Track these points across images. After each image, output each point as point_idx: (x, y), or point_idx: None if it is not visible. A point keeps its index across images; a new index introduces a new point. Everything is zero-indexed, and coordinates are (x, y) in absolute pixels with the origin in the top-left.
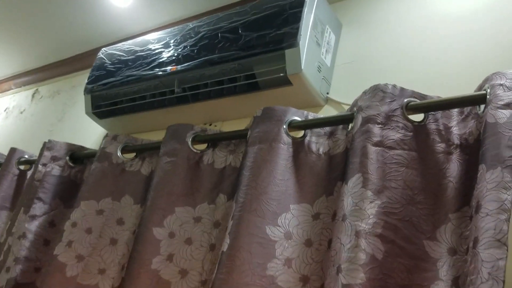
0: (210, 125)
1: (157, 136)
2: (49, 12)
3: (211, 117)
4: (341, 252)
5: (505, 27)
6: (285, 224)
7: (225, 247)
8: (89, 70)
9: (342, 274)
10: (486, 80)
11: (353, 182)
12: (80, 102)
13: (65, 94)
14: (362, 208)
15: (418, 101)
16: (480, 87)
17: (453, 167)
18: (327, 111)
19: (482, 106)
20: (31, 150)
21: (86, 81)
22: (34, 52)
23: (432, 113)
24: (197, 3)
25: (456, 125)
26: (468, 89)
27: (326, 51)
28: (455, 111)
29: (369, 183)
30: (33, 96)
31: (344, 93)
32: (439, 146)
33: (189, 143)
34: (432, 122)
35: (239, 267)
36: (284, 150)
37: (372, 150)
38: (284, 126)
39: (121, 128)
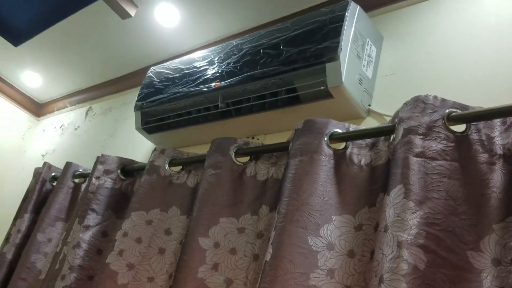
0: (253, 138)
1: (202, 149)
2: (101, 34)
3: (253, 130)
4: (383, 262)
5: None
6: (327, 235)
7: (268, 257)
8: (138, 88)
9: (384, 285)
10: None
11: (395, 193)
12: (130, 118)
13: (116, 111)
14: (404, 218)
15: (460, 112)
16: None
17: (496, 177)
18: (369, 123)
19: None
20: (85, 164)
21: (136, 98)
22: (87, 72)
23: (474, 123)
24: (239, 21)
25: (499, 135)
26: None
27: (368, 63)
28: (497, 121)
29: (411, 194)
30: (86, 113)
31: (386, 104)
32: (481, 156)
33: (232, 155)
34: (475, 133)
35: (282, 276)
36: (325, 161)
37: (414, 161)
38: (325, 138)
39: (169, 142)
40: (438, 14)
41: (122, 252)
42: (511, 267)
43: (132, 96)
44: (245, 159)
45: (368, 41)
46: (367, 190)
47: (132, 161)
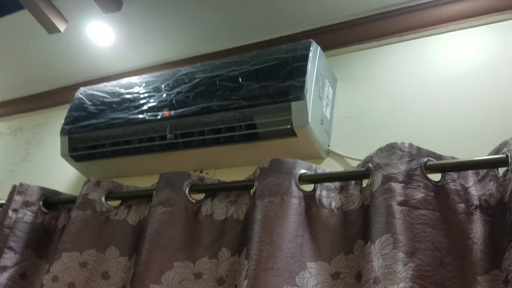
0: (201, 172)
1: (142, 182)
2: (20, 46)
3: (202, 164)
4: None
5: (506, 85)
6: (303, 283)
7: None
8: (56, 108)
9: None
10: (505, 144)
11: (382, 242)
12: (46, 141)
13: (28, 132)
14: (396, 270)
15: (436, 161)
16: (498, 150)
17: (475, 228)
18: (329, 164)
19: (501, 169)
20: None
21: (60, 118)
22: None
23: (449, 173)
24: (182, 48)
25: (473, 185)
26: (463, 147)
27: (326, 104)
28: (470, 172)
29: (400, 244)
30: None
31: (343, 145)
32: (459, 206)
33: (187, 192)
34: (450, 182)
35: None
36: (296, 204)
37: (398, 210)
38: (295, 180)
39: (101, 172)
40: (392, 60)
41: None
42: None
43: (47, 116)
44: (199, 196)
45: (326, 82)
46: (342, 236)
47: (56, 192)
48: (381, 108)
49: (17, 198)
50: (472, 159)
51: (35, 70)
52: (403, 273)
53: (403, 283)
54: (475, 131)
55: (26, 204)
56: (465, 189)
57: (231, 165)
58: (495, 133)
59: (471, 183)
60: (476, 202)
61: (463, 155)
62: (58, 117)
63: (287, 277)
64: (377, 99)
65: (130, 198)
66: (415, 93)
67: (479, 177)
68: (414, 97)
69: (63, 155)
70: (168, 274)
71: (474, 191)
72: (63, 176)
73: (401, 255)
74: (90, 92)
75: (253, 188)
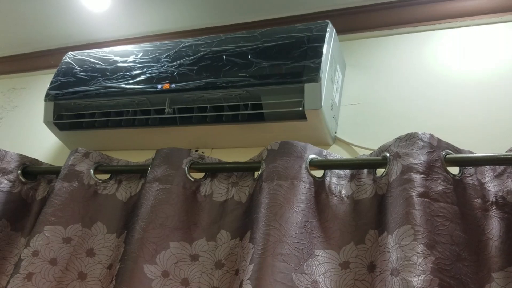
0: (197, 151)
1: (130, 156)
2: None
3: (198, 142)
4: None
5: None
6: (311, 271)
7: None
8: (35, 72)
9: None
10: None
11: (400, 234)
12: (22, 107)
13: (2, 96)
14: (416, 263)
15: (455, 155)
16: None
17: (491, 225)
18: (336, 150)
19: None
20: None
21: (41, 84)
22: None
23: (467, 167)
24: (183, 19)
25: (489, 181)
26: (475, 140)
27: (336, 89)
28: (486, 167)
29: (420, 236)
30: None
31: (350, 133)
32: (475, 201)
33: (186, 170)
34: (468, 177)
35: None
36: (306, 189)
37: (419, 201)
38: (305, 164)
39: (85, 143)
40: (403, 50)
41: (31, 276)
42: None
43: (24, 80)
44: (198, 175)
45: (338, 67)
46: (352, 225)
47: (37, 161)
48: (390, 98)
49: None
50: (491, 155)
51: (16, 29)
52: (423, 266)
53: (423, 275)
54: (486, 124)
55: (2, 171)
56: (482, 184)
57: (230, 146)
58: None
59: (487, 178)
60: (492, 198)
61: (473, 148)
62: (37, 82)
63: (295, 264)
64: (386, 89)
65: (121, 172)
66: (424, 85)
67: (496, 173)
68: (423, 89)
69: (46, 122)
70: (164, 254)
71: (491, 187)
72: (42, 145)
73: (421, 247)
74: (81, 57)
75: (258, 171)
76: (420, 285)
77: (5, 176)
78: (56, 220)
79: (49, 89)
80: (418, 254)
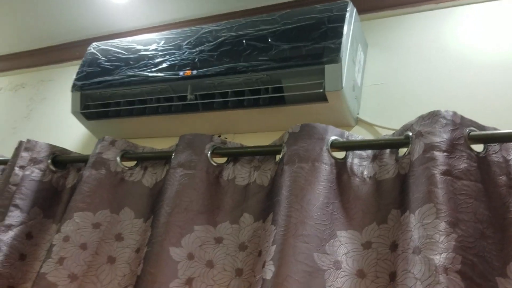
0: (219, 136)
1: (156, 143)
2: None
3: (221, 128)
4: (416, 287)
5: None
6: (333, 251)
7: (268, 275)
8: (62, 64)
9: None
10: None
11: (423, 213)
12: (51, 98)
13: (31, 89)
14: (439, 241)
15: (479, 132)
16: None
17: None
18: (358, 132)
19: None
20: None
21: (68, 75)
22: None
23: (491, 144)
24: (203, 5)
25: None
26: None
27: (358, 70)
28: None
29: (443, 214)
30: None
31: (373, 114)
32: (500, 178)
33: (209, 155)
34: (492, 154)
35: None
36: (328, 171)
37: (442, 179)
38: (327, 146)
39: (112, 131)
40: (426, 28)
41: (63, 260)
42: None
43: (52, 73)
44: (221, 160)
45: (359, 47)
46: (374, 206)
47: (66, 151)
48: (413, 77)
49: (24, 154)
50: None
51: (42, 23)
52: (446, 244)
53: (445, 253)
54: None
55: (33, 161)
56: (507, 161)
57: (252, 130)
58: None
59: None
60: None
61: (500, 126)
62: (64, 74)
63: (317, 244)
64: (409, 68)
65: (146, 159)
66: (447, 64)
67: None
68: (446, 68)
69: (74, 112)
70: (189, 237)
71: None
72: (71, 135)
73: (443, 225)
74: (105, 47)
75: (279, 154)
76: (442, 263)
77: (36, 166)
78: (85, 207)
79: (75, 79)
80: (440, 232)
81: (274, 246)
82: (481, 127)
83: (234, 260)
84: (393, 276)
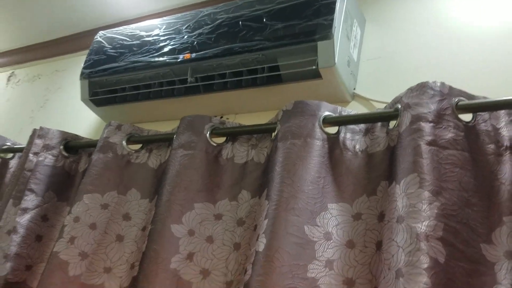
0: (221, 117)
1: (161, 126)
2: None
3: (222, 109)
4: (399, 255)
5: None
6: (324, 223)
7: (260, 247)
8: (74, 54)
9: (404, 279)
10: None
11: (408, 182)
12: (65, 88)
13: (47, 79)
14: (421, 209)
15: (467, 101)
16: None
17: (504, 169)
18: (354, 107)
19: None
20: (9, 137)
21: (80, 64)
22: (10, 33)
23: (481, 113)
24: None
25: (504, 126)
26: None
27: (354, 45)
28: (502, 112)
29: (426, 183)
30: (8, 79)
31: (370, 89)
32: (488, 147)
33: (207, 135)
34: (481, 123)
35: (279, 268)
36: (319, 146)
37: (426, 149)
38: (319, 122)
39: (120, 117)
40: (424, 2)
41: (74, 240)
42: None
43: (66, 63)
44: (220, 140)
45: (355, 22)
46: (365, 178)
47: (77, 136)
48: (410, 50)
49: (38, 141)
50: (505, 98)
51: (54, 15)
52: (428, 212)
53: (427, 221)
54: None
55: (46, 147)
56: (496, 130)
57: (252, 110)
58: None
59: (502, 123)
60: (506, 143)
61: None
62: (76, 63)
63: (307, 217)
64: (407, 42)
65: (151, 141)
66: (446, 35)
67: (511, 118)
68: (446, 40)
69: (83, 99)
70: (189, 215)
71: (506, 132)
72: (83, 122)
73: (426, 194)
74: (110, 35)
75: (275, 131)
76: (423, 231)
77: (49, 152)
78: (94, 189)
79: (83, 68)
80: (423, 201)
81: (267, 220)
82: (471, 97)
83: (232, 235)
84: (379, 245)
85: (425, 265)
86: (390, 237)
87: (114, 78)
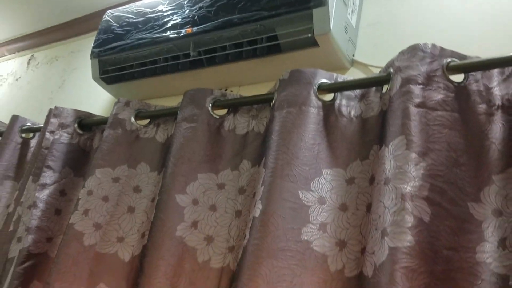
0: (226, 90)
1: (169, 102)
2: None
3: (227, 82)
4: (385, 215)
5: None
6: (318, 189)
7: (257, 213)
8: (88, 35)
9: (389, 238)
10: None
11: (396, 144)
12: (80, 68)
13: (63, 60)
14: (407, 170)
15: (459, 62)
16: None
17: (495, 129)
18: (353, 74)
19: None
20: (30, 118)
21: (87, 46)
22: (28, 17)
23: (472, 73)
24: None
25: (496, 85)
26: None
27: (352, 11)
28: (495, 71)
29: (413, 145)
30: (28, 62)
31: (369, 55)
32: (480, 107)
33: (209, 108)
34: (473, 83)
35: (274, 232)
36: (315, 113)
37: (415, 112)
38: (314, 89)
39: (130, 94)
40: None
41: (88, 212)
42: None
43: (80, 44)
44: (222, 112)
45: None
46: (359, 143)
47: (90, 114)
48: (411, 14)
49: (53, 120)
50: (497, 57)
51: None
52: (414, 173)
53: (413, 182)
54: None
55: (61, 126)
56: (488, 89)
57: (255, 81)
58: None
59: (495, 83)
60: (498, 102)
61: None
62: (90, 43)
63: (302, 183)
64: (407, 6)
65: (158, 116)
66: None
67: (504, 76)
68: (447, 3)
69: (94, 78)
70: (193, 185)
71: (498, 91)
72: (98, 100)
73: (413, 155)
74: (117, 13)
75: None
76: (409, 191)
77: (64, 130)
78: (105, 163)
79: (93, 47)
80: (409, 163)
81: (263, 187)
82: (463, 58)
83: (234, 203)
84: (369, 207)
85: (409, 224)
86: (378, 198)
87: (122, 56)
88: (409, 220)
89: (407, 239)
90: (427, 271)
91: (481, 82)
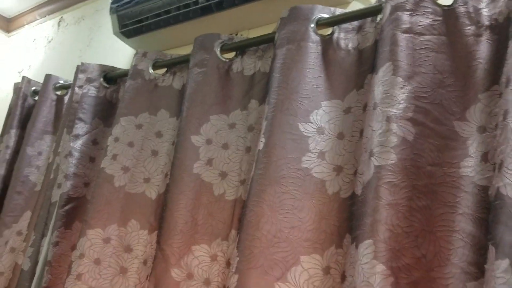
0: (236, 34)
1: (185, 51)
2: None
3: (236, 26)
4: (372, 138)
5: None
6: (317, 120)
7: (261, 146)
8: None
9: (374, 157)
10: None
11: (383, 70)
12: (105, 25)
13: (90, 19)
14: (393, 94)
15: None
16: None
17: (483, 49)
18: (355, 7)
19: None
20: (65, 77)
21: (109, 3)
22: None
23: None
24: None
25: (485, 6)
26: None
27: None
28: None
29: (400, 70)
30: (58, 24)
31: None
32: (468, 29)
33: (217, 52)
34: (461, 5)
35: (275, 162)
36: (313, 48)
37: (402, 38)
38: (312, 25)
39: (149, 45)
40: None
41: (116, 157)
42: (495, 132)
43: (103, 1)
44: (231, 55)
45: None
46: (355, 74)
47: (114, 68)
48: None
49: (81, 76)
50: None
51: None
52: (399, 96)
53: (398, 104)
54: None
55: (88, 80)
56: (477, 10)
57: (262, 24)
58: None
59: (484, 4)
60: (486, 22)
61: None
62: None
63: (302, 116)
64: None
65: (174, 64)
66: None
67: None
68: None
69: (115, 33)
70: (206, 126)
71: (486, 12)
72: (121, 54)
73: (399, 80)
74: None
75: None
76: (394, 113)
77: (91, 84)
78: (128, 112)
79: (111, 3)
80: (395, 87)
81: (266, 122)
82: None
83: (244, 140)
84: (362, 133)
85: (393, 144)
86: (368, 123)
87: (138, 8)
88: (393, 140)
89: (391, 158)
90: (409, 185)
91: (470, 3)
